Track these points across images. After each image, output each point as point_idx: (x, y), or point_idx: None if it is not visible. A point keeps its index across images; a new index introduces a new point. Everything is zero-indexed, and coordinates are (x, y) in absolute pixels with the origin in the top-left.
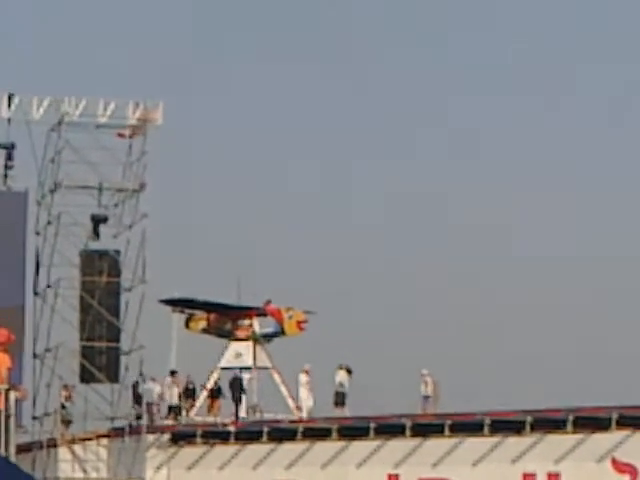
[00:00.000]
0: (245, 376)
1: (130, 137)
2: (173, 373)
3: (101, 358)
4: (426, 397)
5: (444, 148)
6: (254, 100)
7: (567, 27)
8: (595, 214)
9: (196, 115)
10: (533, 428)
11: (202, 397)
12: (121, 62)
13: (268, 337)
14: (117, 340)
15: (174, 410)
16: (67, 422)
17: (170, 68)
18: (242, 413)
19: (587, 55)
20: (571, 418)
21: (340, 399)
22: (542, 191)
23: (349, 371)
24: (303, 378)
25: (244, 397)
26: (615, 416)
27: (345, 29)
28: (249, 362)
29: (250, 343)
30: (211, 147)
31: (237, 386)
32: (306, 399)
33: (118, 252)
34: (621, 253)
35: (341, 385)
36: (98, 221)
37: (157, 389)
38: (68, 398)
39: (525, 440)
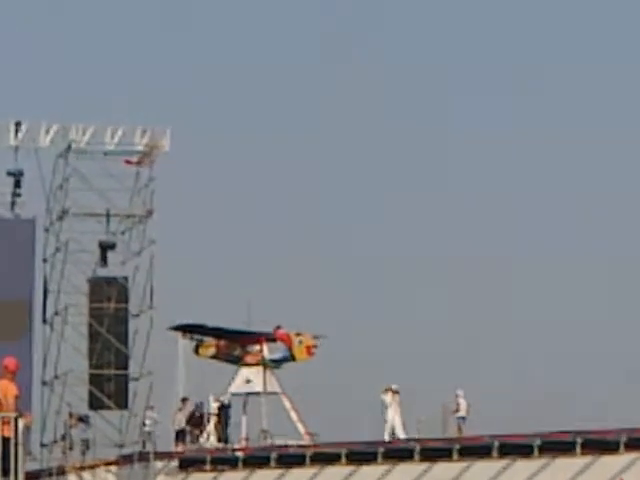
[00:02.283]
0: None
1: (138, 164)
2: (184, 400)
3: (110, 385)
4: (462, 418)
5: None
6: (262, 124)
7: (567, 27)
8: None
9: (204, 141)
10: (542, 451)
11: (211, 423)
12: (128, 88)
13: (278, 362)
14: (125, 367)
15: (180, 436)
16: (71, 449)
17: (177, 94)
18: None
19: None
20: (579, 441)
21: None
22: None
23: (395, 392)
24: (388, 398)
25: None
26: (624, 439)
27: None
28: (259, 387)
29: (260, 368)
30: (218, 173)
31: (224, 413)
32: (391, 419)
33: (126, 279)
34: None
35: (386, 408)
36: (106, 248)
37: (155, 417)
38: (73, 426)
39: (534, 463)
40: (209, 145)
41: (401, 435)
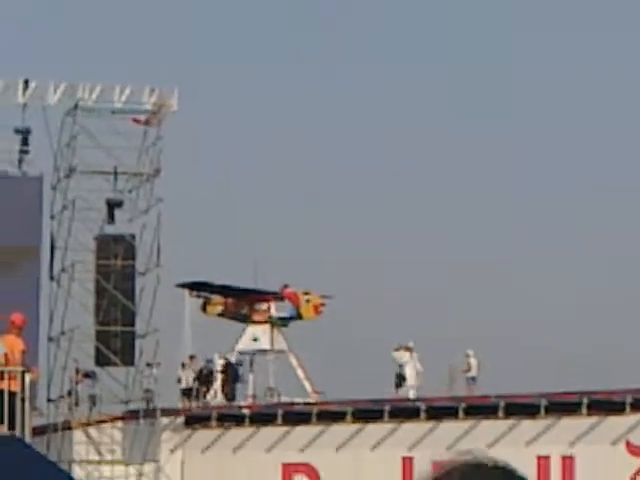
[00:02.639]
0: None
1: (145, 123)
2: (192, 357)
3: (116, 341)
4: (472, 378)
5: None
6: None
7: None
8: None
9: (211, 100)
10: (547, 411)
11: (218, 381)
12: (137, 48)
13: (285, 321)
14: (132, 324)
15: (187, 393)
16: (77, 404)
17: (185, 53)
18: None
19: None
20: (585, 401)
21: (400, 381)
22: None
23: (409, 350)
24: (405, 356)
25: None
26: (629, 399)
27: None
28: (266, 345)
29: (267, 326)
30: (225, 132)
31: (232, 372)
32: (411, 376)
33: (133, 236)
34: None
35: (400, 366)
36: (113, 205)
37: (155, 374)
38: (79, 382)
39: (539, 423)
40: (216, 104)
41: (412, 393)
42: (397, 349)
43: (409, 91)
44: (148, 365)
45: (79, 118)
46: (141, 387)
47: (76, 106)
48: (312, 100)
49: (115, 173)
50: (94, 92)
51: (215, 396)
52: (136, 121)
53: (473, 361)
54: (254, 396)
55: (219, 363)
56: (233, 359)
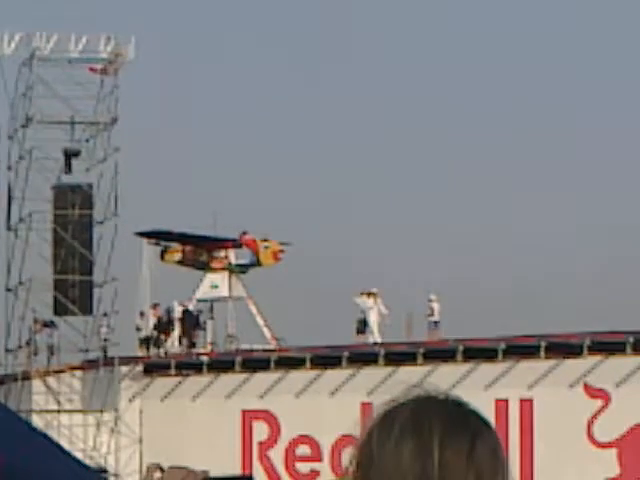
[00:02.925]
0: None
1: (102, 72)
2: (155, 305)
3: (74, 291)
4: (435, 322)
5: None
6: (228, 32)
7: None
8: None
9: (168, 49)
10: (506, 355)
11: (177, 328)
12: None
13: (244, 267)
14: (90, 273)
15: (146, 342)
16: (36, 354)
17: (142, 2)
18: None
19: None
20: (544, 344)
21: (361, 326)
22: None
23: (370, 295)
24: (368, 302)
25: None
26: (587, 342)
27: None
28: (225, 293)
29: (226, 274)
30: (182, 80)
31: (191, 319)
32: (375, 322)
33: (90, 186)
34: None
35: (362, 312)
36: (70, 155)
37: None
38: (37, 331)
39: (498, 367)
40: (173, 53)
41: (376, 337)
42: (360, 295)
43: None
44: (104, 315)
45: (35, 68)
46: (99, 336)
47: (32, 56)
48: (270, 43)
49: (72, 122)
50: (50, 42)
51: (174, 344)
52: (93, 70)
53: (436, 305)
54: (213, 343)
55: (178, 311)
56: (192, 307)
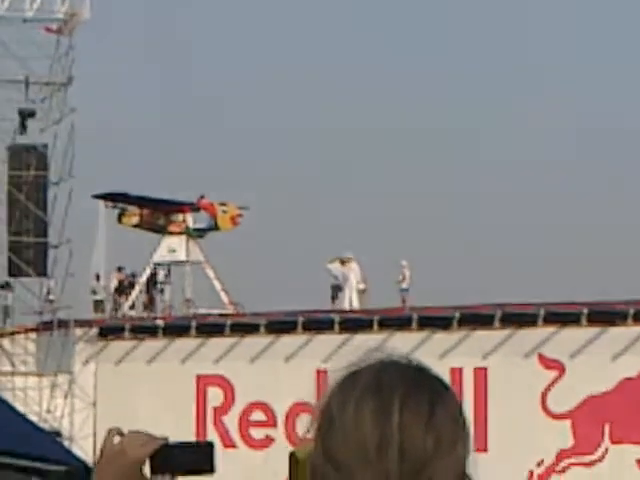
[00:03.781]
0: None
1: (58, 32)
2: (120, 269)
3: (29, 252)
4: (405, 289)
5: None
6: None
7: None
8: None
9: (124, 8)
10: (460, 324)
11: (135, 292)
12: None
13: (201, 232)
14: (45, 234)
15: (99, 305)
16: None
17: None
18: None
19: None
20: (499, 314)
21: (335, 292)
22: None
23: (343, 262)
24: (340, 268)
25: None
26: (542, 312)
27: None
28: (182, 257)
29: (183, 238)
30: (138, 39)
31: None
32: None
33: (46, 146)
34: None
35: (335, 278)
36: (25, 115)
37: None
38: None
39: (452, 336)
40: (128, 12)
41: (354, 304)
42: (331, 261)
43: None
44: (45, 276)
45: None
46: (47, 298)
47: None
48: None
49: (27, 83)
50: (5, 1)
51: (133, 307)
52: (48, 30)
53: (407, 272)
54: (170, 307)
55: (146, 273)
56: (148, 270)
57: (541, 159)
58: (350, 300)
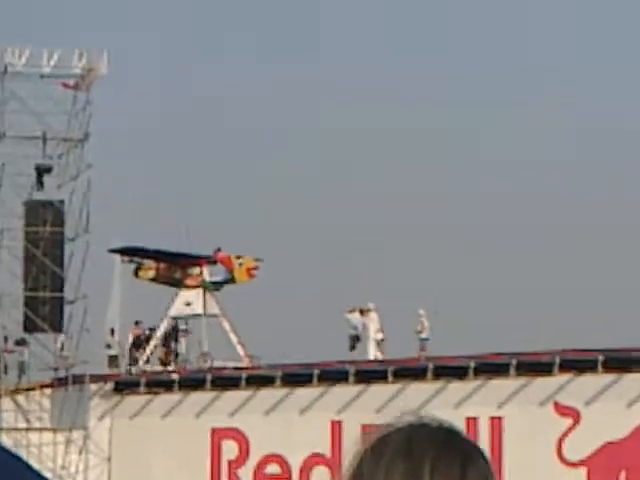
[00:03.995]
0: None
1: (75, 88)
2: (137, 323)
3: (45, 308)
4: (425, 339)
5: None
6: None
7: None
8: None
9: (141, 64)
10: (476, 373)
11: (151, 346)
12: (66, 11)
13: (218, 285)
14: (61, 290)
15: (114, 360)
16: (5, 372)
17: (114, 17)
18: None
19: None
20: (514, 363)
21: (353, 342)
22: None
23: (362, 312)
24: (359, 318)
25: (179, 345)
26: (557, 360)
27: None
28: (198, 310)
29: (200, 291)
30: (155, 95)
31: (172, 335)
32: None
33: (62, 202)
34: None
35: (355, 328)
36: (42, 171)
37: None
38: (8, 350)
39: (468, 385)
40: (146, 68)
41: (371, 356)
42: (351, 311)
43: None
44: (62, 332)
45: (8, 83)
46: (72, 353)
47: (4, 71)
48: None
49: (44, 138)
50: (23, 56)
51: (148, 361)
52: (65, 85)
53: (425, 321)
54: (186, 360)
55: (163, 327)
56: (166, 324)
57: (541, 159)
58: (371, 351)
